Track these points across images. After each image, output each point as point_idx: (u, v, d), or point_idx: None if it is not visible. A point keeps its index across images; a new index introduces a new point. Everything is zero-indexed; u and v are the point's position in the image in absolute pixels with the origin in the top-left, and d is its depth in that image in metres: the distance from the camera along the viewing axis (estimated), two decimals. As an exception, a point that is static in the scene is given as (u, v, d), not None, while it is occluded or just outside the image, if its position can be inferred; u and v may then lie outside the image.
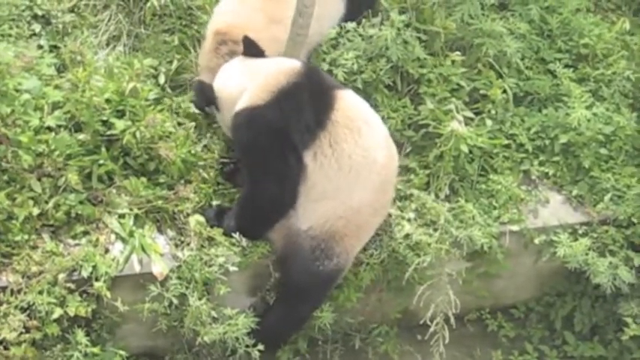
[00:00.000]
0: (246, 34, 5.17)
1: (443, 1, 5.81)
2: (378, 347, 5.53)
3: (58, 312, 4.67)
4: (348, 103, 5.02)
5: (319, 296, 5.14)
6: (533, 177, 5.72)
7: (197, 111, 5.38)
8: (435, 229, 5.30)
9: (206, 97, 5.13)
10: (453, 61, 5.72)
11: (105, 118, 5.04)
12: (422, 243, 5.26)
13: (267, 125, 4.90)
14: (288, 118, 4.90)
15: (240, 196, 5.14)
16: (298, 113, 4.91)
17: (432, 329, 5.33)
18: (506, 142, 5.72)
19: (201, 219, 5.05)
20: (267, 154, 4.93)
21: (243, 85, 5.03)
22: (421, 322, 5.37)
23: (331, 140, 4.91)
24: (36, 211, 4.84)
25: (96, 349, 4.77)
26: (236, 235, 5.02)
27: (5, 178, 4.87)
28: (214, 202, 5.18)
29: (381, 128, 5.08)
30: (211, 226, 5.04)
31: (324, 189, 4.94)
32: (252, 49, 5.16)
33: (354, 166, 4.93)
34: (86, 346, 4.74)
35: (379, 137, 5.03)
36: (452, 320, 5.32)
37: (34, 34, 5.57)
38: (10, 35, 5.44)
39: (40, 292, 4.67)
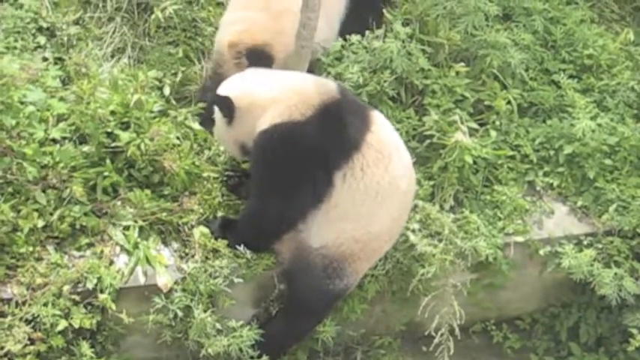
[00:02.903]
0: (250, 47, 5.17)
1: (447, 13, 5.81)
2: (380, 359, 5.51)
3: (62, 324, 4.67)
4: (381, 126, 4.99)
5: (324, 313, 5.14)
6: (538, 188, 5.71)
7: (201, 126, 5.37)
8: (440, 240, 5.29)
9: (228, 108, 4.96)
10: (458, 73, 5.73)
11: (109, 130, 5.04)
12: (426, 254, 5.26)
13: (306, 142, 4.82)
14: (327, 136, 4.83)
15: (244, 209, 5.13)
16: (338, 132, 4.85)
17: (436, 340, 5.32)
18: (510, 153, 5.72)
19: (206, 231, 5.05)
20: (295, 171, 4.86)
21: (274, 97, 4.90)
22: (426, 333, 5.36)
23: (363, 163, 4.87)
24: (41, 223, 4.84)
25: (100, 361, 4.79)
26: (240, 247, 5.02)
27: (10, 190, 4.87)
28: (219, 214, 5.18)
29: (406, 154, 5.06)
30: (215, 238, 5.04)
31: (346, 211, 4.90)
32: (259, 62, 5.10)
33: (380, 192, 4.90)
34: (91, 358, 4.73)
35: (405, 164, 5.02)
36: (457, 331, 5.31)
37: (39, 47, 5.59)
38: (15, 48, 5.45)
39: (45, 304, 4.67)
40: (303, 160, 4.85)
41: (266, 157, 4.91)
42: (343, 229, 4.91)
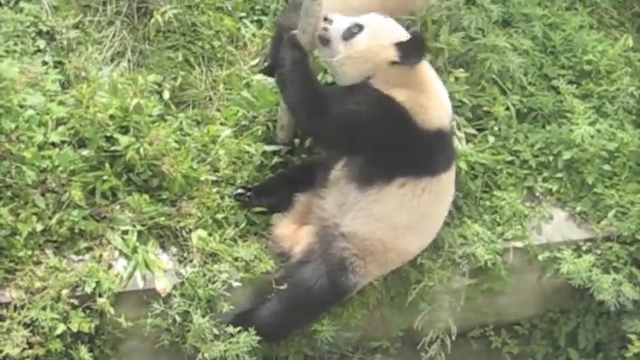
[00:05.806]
0: None
1: (450, 14, 5.81)
2: (376, 364, 5.52)
3: (61, 328, 4.66)
4: (454, 170, 5.14)
5: (321, 309, 5.09)
6: (537, 193, 5.71)
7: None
8: (437, 248, 5.29)
9: (421, 49, 4.98)
10: (457, 78, 5.72)
11: (109, 134, 5.03)
12: (426, 265, 5.27)
13: (403, 141, 4.91)
14: (420, 150, 4.93)
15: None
16: (427, 154, 4.96)
17: (432, 345, 5.33)
18: (509, 158, 5.72)
19: (204, 234, 5.04)
20: (367, 139, 4.90)
21: (431, 88, 5.01)
22: (424, 340, 5.37)
23: (426, 188, 4.96)
24: (39, 226, 4.84)
25: (99, 365, 4.78)
26: (239, 254, 5.01)
27: (9, 193, 4.87)
28: (217, 216, 5.14)
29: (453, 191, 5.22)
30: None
31: (389, 213, 4.95)
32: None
33: (425, 220, 5.03)
34: (89, 362, 4.74)
35: (449, 204, 5.21)
36: (454, 337, 5.32)
37: (39, 50, 5.58)
38: (14, 51, 5.44)
39: (44, 308, 4.67)
40: (385, 141, 4.90)
41: (367, 115, 4.90)
42: (379, 227, 4.95)
